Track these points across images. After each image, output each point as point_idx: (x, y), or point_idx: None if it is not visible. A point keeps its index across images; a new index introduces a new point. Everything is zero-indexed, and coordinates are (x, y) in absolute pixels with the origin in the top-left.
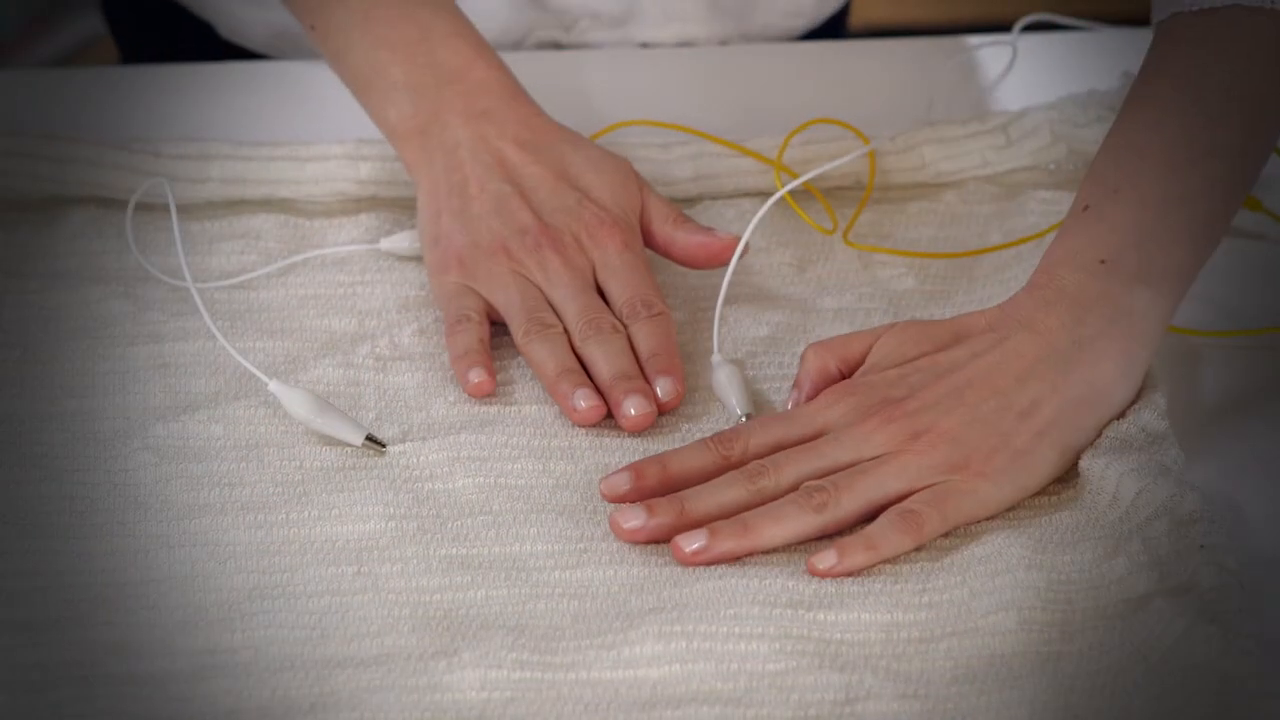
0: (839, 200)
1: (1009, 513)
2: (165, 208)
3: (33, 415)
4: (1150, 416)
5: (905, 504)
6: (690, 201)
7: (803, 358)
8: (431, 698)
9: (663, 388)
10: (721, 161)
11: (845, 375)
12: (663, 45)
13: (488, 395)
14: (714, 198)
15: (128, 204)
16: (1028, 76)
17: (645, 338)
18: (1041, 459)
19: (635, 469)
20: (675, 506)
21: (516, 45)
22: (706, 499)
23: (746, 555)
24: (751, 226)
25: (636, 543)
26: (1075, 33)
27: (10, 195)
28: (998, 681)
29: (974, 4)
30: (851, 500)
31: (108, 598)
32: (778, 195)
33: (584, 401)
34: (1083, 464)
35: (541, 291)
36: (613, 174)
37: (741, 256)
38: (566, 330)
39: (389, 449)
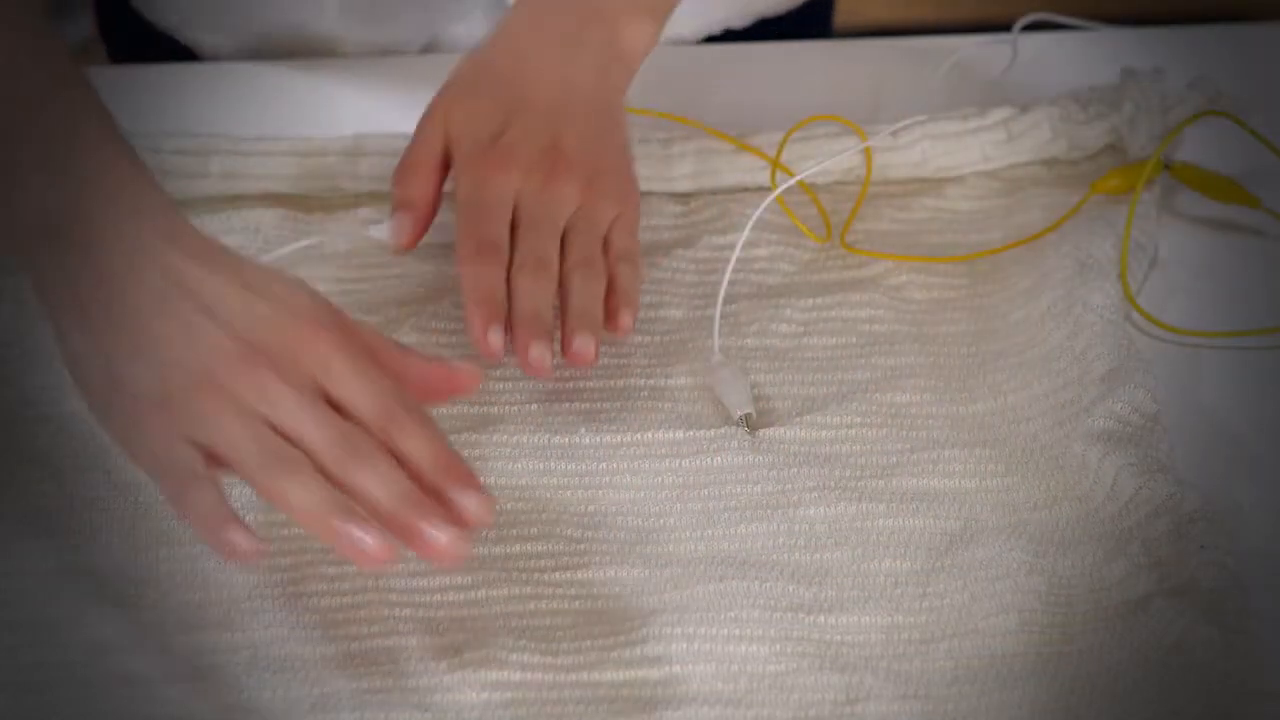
0: (839, 196)
1: (1009, 513)
2: None
3: (33, 415)
4: (1142, 396)
5: (612, 251)
6: (689, 197)
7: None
8: (432, 698)
9: (468, 503)
10: (722, 158)
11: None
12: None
13: (255, 559)
14: (713, 193)
15: None
16: (1028, 76)
17: (418, 447)
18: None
19: (486, 321)
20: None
21: None
22: (526, 303)
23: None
24: (751, 223)
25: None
26: (1075, 32)
27: None
28: (998, 682)
29: (974, 4)
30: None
31: (108, 598)
32: (771, 197)
33: (369, 542)
34: (1080, 454)
35: (267, 421)
36: (295, 284)
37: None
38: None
39: None
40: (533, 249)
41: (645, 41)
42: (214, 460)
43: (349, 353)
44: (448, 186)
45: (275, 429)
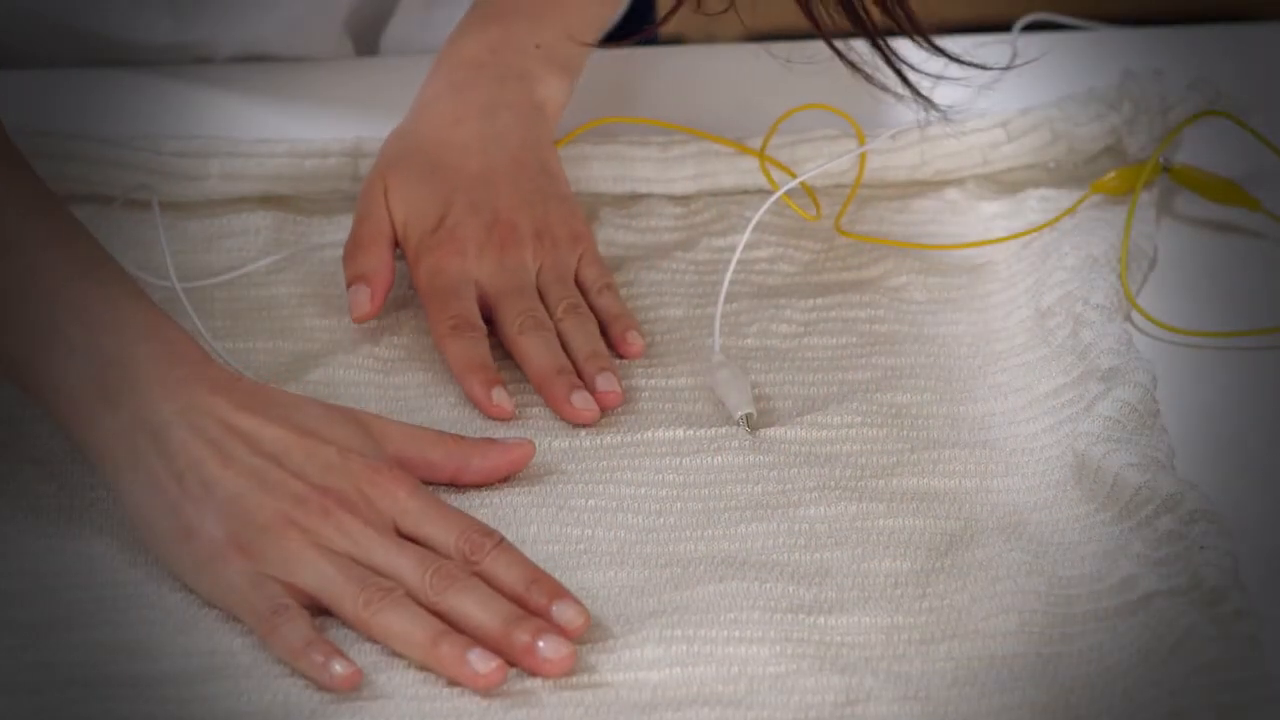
0: (837, 198)
1: (1009, 513)
2: (166, 205)
3: (33, 415)
4: (1142, 396)
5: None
6: (689, 199)
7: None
8: (432, 702)
9: (566, 614)
10: (722, 160)
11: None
12: None
13: (355, 686)
14: (713, 195)
15: (135, 202)
16: (1028, 76)
17: (507, 569)
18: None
19: (486, 386)
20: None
21: None
22: (547, 360)
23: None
24: (751, 225)
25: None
26: (1075, 32)
27: None
28: (998, 683)
29: (974, 4)
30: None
31: (108, 598)
32: (776, 195)
33: (482, 665)
34: (1080, 453)
35: (353, 558)
36: (344, 422)
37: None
38: (409, 592)
39: None
40: (522, 311)
41: (560, 96)
42: (301, 597)
43: (420, 492)
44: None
45: (363, 565)
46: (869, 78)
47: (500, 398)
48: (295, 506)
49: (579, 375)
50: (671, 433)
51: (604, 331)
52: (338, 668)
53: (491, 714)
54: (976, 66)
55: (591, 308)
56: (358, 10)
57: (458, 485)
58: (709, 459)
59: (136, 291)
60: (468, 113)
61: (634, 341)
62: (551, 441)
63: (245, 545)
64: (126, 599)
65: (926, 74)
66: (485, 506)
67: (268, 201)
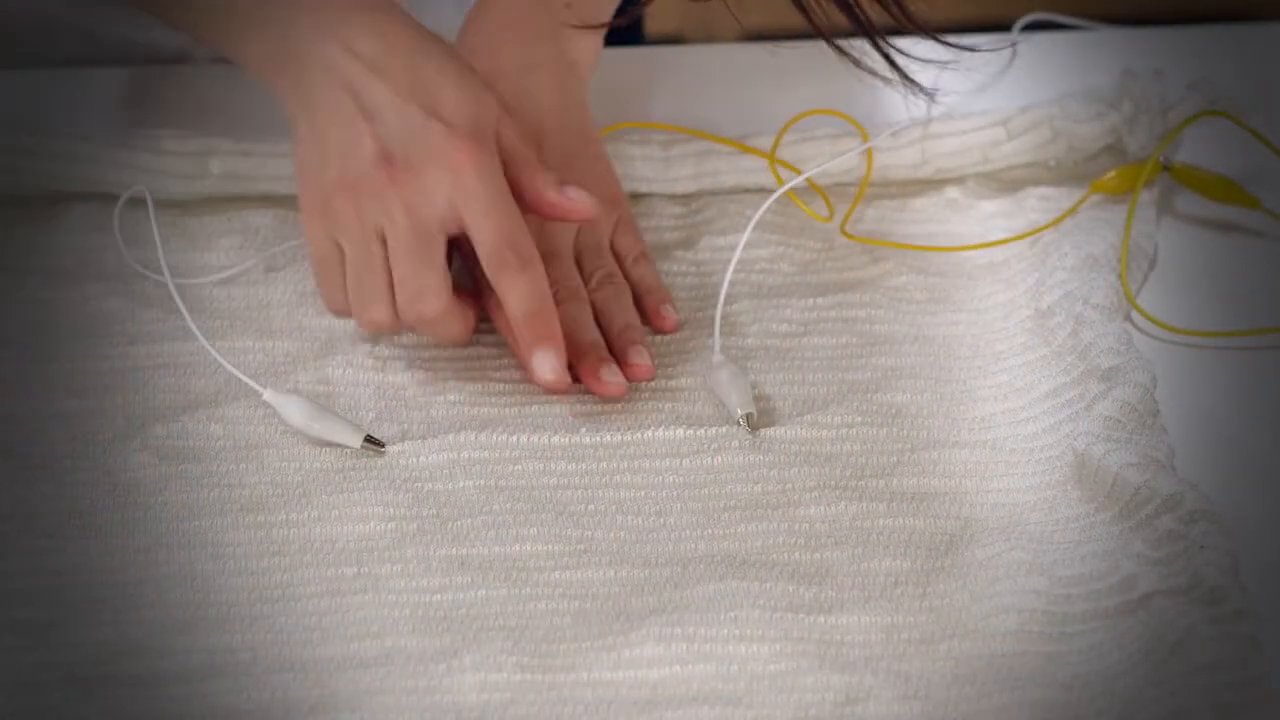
0: (839, 197)
1: (1009, 513)
2: (166, 203)
3: (33, 415)
4: (1142, 396)
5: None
6: (690, 198)
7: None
8: (431, 699)
9: (543, 361)
10: (722, 159)
11: None
12: None
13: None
14: (714, 194)
15: (139, 200)
16: (1028, 76)
17: (518, 292)
18: None
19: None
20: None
21: None
22: (583, 335)
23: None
24: (752, 224)
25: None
26: (1075, 32)
27: (10, 192)
28: (998, 683)
29: (974, 4)
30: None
31: (108, 598)
32: (779, 192)
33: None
34: (1080, 453)
35: (381, 235)
36: (467, 90)
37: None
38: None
39: (388, 449)
40: (558, 280)
41: (591, 55)
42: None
43: (487, 177)
44: None
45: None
46: (857, 62)
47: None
48: (357, 173)
49: (610, 348)
50: (671, 433)
51: (638, 302)
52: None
53: (490, 710)
54: (965, 49)
55: (626, 277)
56: None
57: (528, 207)
58: (709, 459)
59: None
60: (502, 74)
61: (669, 315)
62: (551, 439)
63: (324, 204)
64: (126, 599)
65: (925, 60)
66: (485, 512)
67: (268, 201)
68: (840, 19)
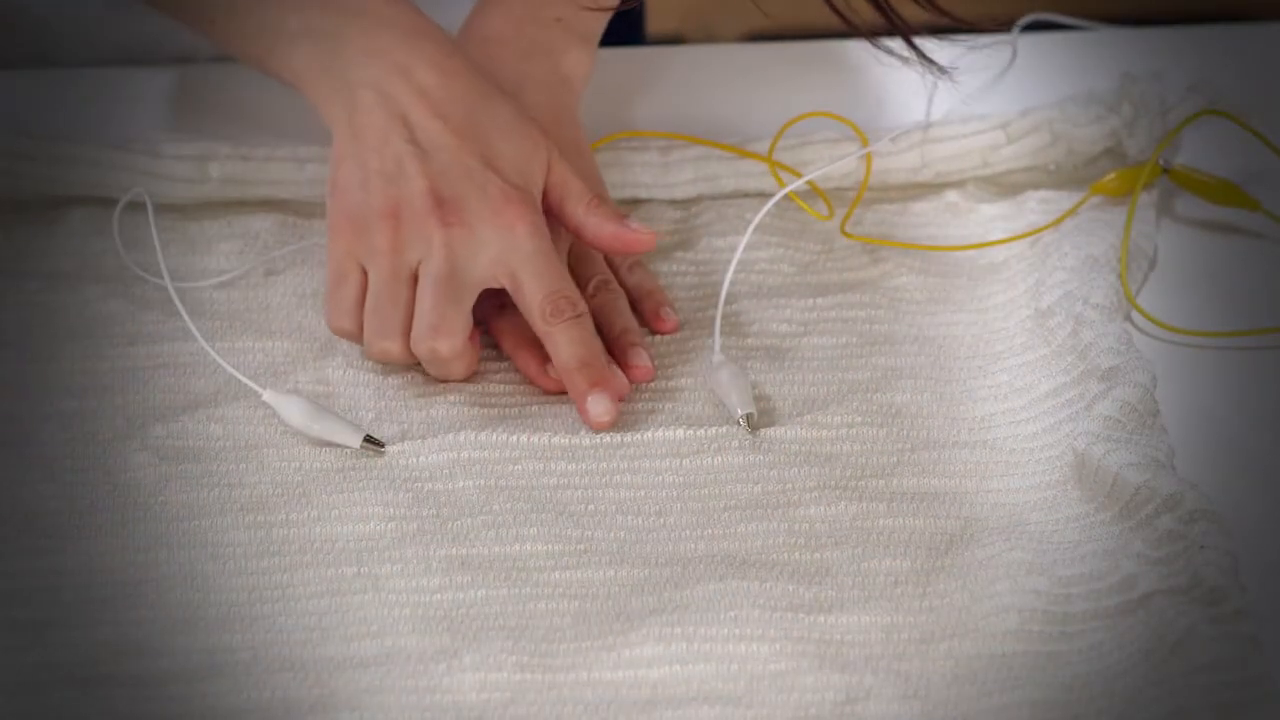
0: (838, 201)
1: (1009, 513)
2: (166, 207)
3: (32, 415)
4: (1142, 396)
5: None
6: (690, 202)
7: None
8: (431, 699)
9: (594, 407)
10: (721, 164)
11: None
12: None
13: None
14: (713, 198)
15: (139, 204)
16: (1028, 76)
17: (570, 342)
18: None
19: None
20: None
21: None
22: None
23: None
24: (752, 226)
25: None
26: (1075, 33)
27: (10, 195)
28: (998, 682)
29: (974, 4)
30: None
31: (108, 598)
32: (781, 194)
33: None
34: (1080, 453)
35: (414, 273)
36: (522, 141)
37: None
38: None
39: (388, 449)
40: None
41: (584, 68)
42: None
43: (538, 235)
44: None
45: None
46: (874, 41)
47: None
48: (405, 204)
49: (610, 351)
50: (671, 433)
51: (636, 306)
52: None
53: (490, 710)
54: (982, 31)
55: (622, 283)
56: None
57: (583, 239)
58: (709, 459)
59: None
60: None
61: (668, 317)
62: (551, 440)
63: (355, 221)
64: (126, 599)
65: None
66: (485, 512)
67: (268, 205)
68: (863, 7)
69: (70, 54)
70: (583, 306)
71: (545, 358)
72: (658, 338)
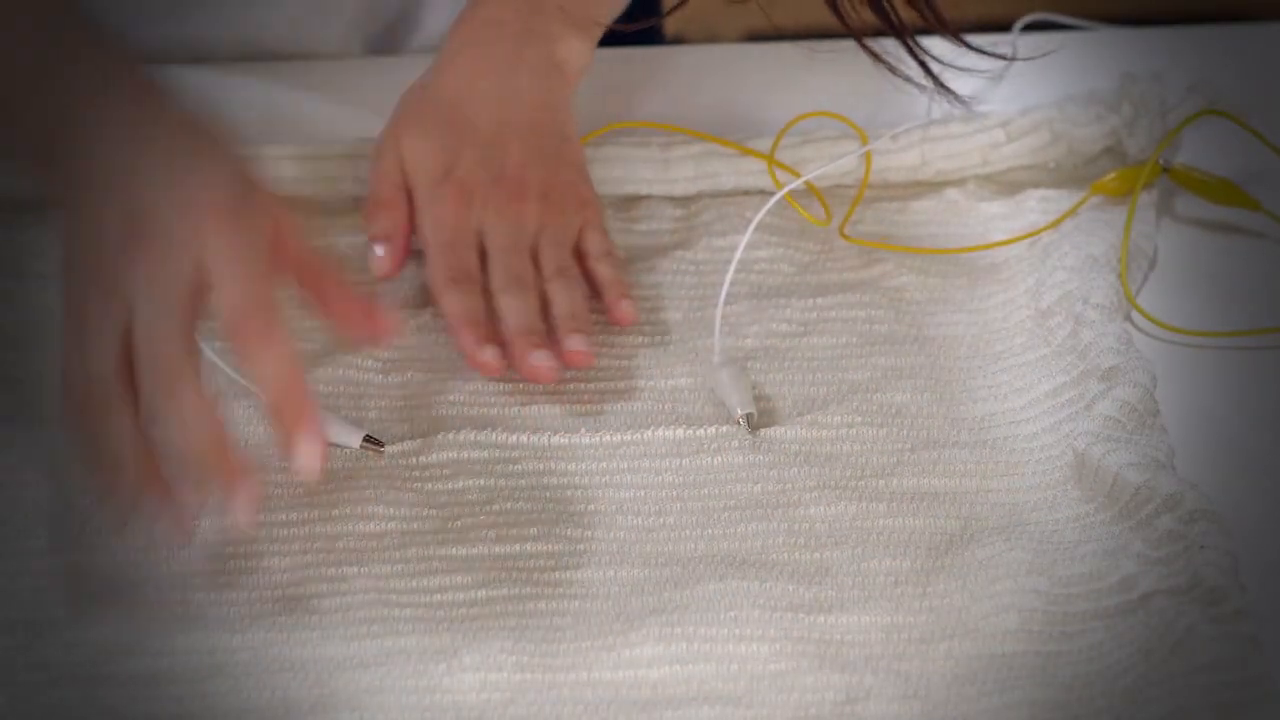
0: (838, 199)
1: (1009, 513)
2: None
3: (33, 415)
4: (1142, 396)
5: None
6: (690, 200)
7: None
8: (431, 699)
9: (570, 344)
10: (722, 161)
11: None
12: None
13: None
14: (714, 196)
15: None
16: (1028, 76)
17: (264, 368)
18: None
19: (478, 341)
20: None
21: None
22: (517, 319)
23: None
24: (752, 226)
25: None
26: (1075, 33)
27: (8, 194)
28: (998, 682)
29: (974, 4)
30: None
31: (108, 598)
32: (777, 196)
33: (486, 354)
34: (1080, 453)
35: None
36: (234, 158)
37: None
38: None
39: (388, 449)
40: (507, 270)
41: (581, 58)
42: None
43: (230, 241)
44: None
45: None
46: (893, 70)
47: (490, 354)
48: (106, 245)
49: (553, 336)
50: (671, 433)
51: (597, 298)
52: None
53: (490, 710)
54: (999, 57)
55: (589, 274)
56: (372, 9)
57: (321, 309)
58: (709, 459)
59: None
60: (486, 70)
61: (626, 309)
62: (551, 440)
63: (96, 265)
64: (126, 599)
65: (938, 59)
66: (485, 512)
67: None
68: (871, 19)
69: None
70: (271, 317)
71: (486, 339)
72: (657, 338)
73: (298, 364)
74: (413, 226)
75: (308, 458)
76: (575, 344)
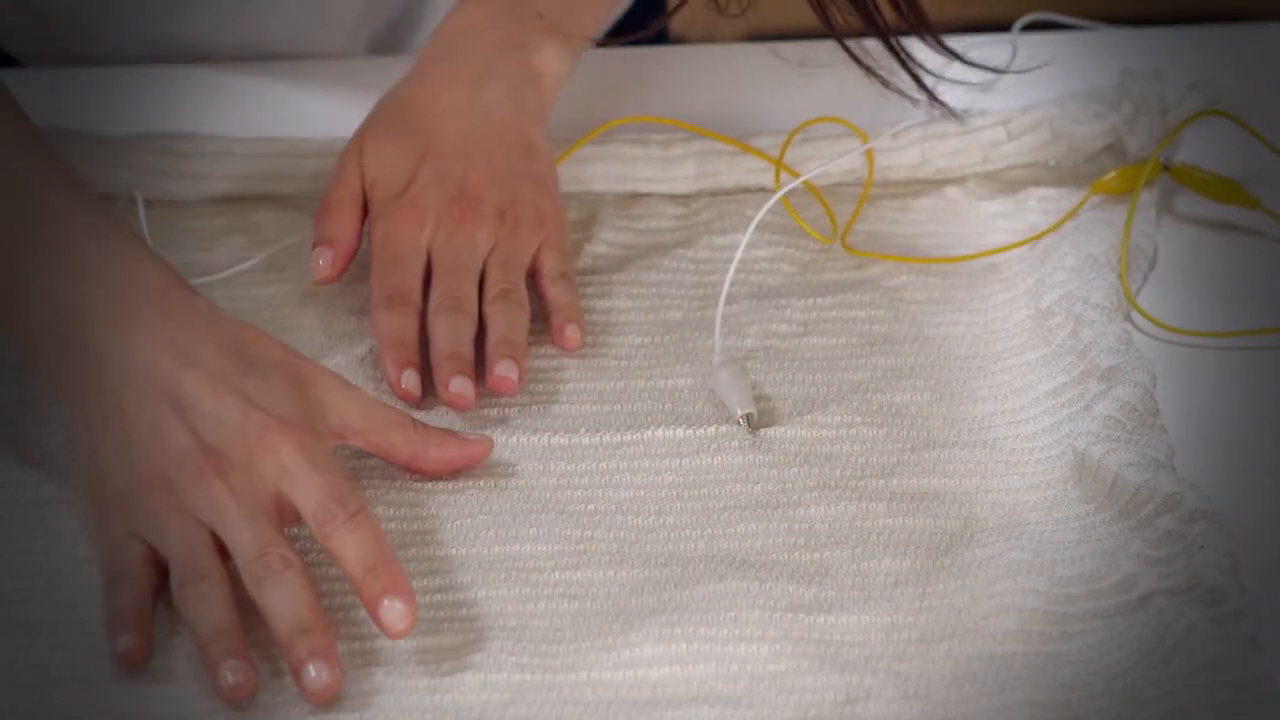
0: (839, 197)
1: (1009, 513)
2: (169, 203)
3: (33, 415)
4: (1142, 395)
5: (543, 275)
6: (690, 198)
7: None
8: (431, 699)
9: (387, 613)
10: (723, 160)
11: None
12: None
13: (137, 664)
14: (714, 194)
15: (132, 201)
16: (1028, 76)
17: (354, 545)
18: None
19: (399, 365)
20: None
21: None
22: (444, 343)
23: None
24: (752, 225)
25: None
26: (1075, 32)
27: None
28: (998, 682)
29: (974, 4)
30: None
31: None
32: (775, 197)
33: (230, 675)
34: (1080, 453)
35: (211, 531)
36: (281, 381)
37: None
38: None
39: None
40: (446, 290)
41: (560, 67)
42: (159, 559)
43: (303, 451)
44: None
45: (214, 540)
46: (885, 82)
47: (409, 381)
48: (174, 467)
49: (482, 361)
50: (671, 433)
51: (546, 321)
52: (123, 641)
53: (490, 710)
54: (988, 69)
55: (542, 295)
56: (374, 9)
57: (415, 471)
58: (709, 459)
59: (102, 225)
60: (457, 79)
61: (571, 335)
62: (551, 440)
63: (124, 504)
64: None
65: (931, 72)
66: (485, 512)
67: (270, 201)
68: (860, 26)
69: (78, 52)
70: (355, 506)
71: (408, 363)
72: (657, 338)
73: (383, 540)
74: (359, 234)
75: (399, 616)
76: (502, 369)
